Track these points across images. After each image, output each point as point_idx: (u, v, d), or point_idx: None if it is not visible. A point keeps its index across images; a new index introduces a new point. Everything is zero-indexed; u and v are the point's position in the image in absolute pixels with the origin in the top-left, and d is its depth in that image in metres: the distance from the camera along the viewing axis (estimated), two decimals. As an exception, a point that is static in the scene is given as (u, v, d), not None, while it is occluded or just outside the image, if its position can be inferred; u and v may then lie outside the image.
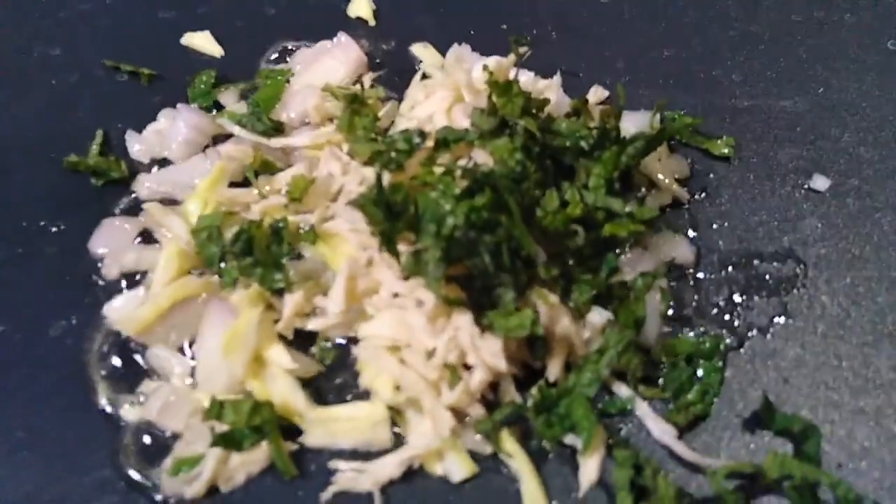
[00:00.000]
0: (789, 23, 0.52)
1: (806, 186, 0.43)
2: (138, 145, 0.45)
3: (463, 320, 0.34)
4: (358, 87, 0.46)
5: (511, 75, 0.40)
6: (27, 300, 0.39)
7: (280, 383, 0.35)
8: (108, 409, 0.36)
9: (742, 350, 0.37)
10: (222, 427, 0.33)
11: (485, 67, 0.42)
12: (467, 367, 0.34)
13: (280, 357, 0.35)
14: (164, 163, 0.45)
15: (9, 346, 0.37)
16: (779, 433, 0.34)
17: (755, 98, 0.47)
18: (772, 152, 0.44)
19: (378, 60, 0.50)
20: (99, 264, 0.41)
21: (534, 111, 0.42)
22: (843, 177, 0.43)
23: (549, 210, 0.36)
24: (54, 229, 0.42)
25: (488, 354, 0.33)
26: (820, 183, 0.43)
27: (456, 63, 0.47)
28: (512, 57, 0.42)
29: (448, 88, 0.44)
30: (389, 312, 0.36)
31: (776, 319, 0.38)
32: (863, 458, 0.33)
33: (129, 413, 0.35)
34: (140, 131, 0.46)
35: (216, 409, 0.33)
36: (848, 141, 0.45)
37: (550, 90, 0.45)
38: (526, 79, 0.46)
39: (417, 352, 0.35)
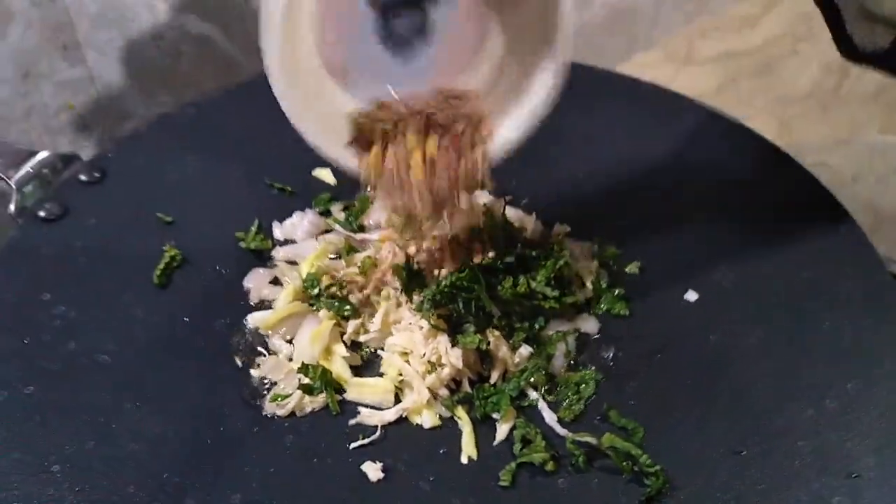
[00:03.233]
0: (701, 199, 0.77)
1: (682, 298, 0.67)
2: (279, 230, 0.72)
3: (443, 338, 0.59)
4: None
5: (499, 211, 0.67)
6: (205, 308, 0.66)
7: (337, 363, 0.59)
8: (242, 368, 0.61)
9: (612, 384, 0.60)
10: (304, 380, 0.59)
11: (484, 204, 0.69)
12: (440, 366, 0.59)
13: (340, 349, 0.60)
14: (292, 242, 0.72)
15: (189, 332, 0.63)
16: (620, 429, 0.57)
17: (663, 243, 0.72)
18: (662, 275, 0.69)
19: (431, 196, 0.79)
20: (247, 293, 0.67)
21: (513, 233, 0.69)
22: (705, 294, 0.67)
23: (506, 287, 0.62)
24: (224, 272, 0.69)
25: (454, 358, 0.58)
26: (690, 296, 0.66)
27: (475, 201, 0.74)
28: (502, 201, 0.69)
29: (466, 215, 0.71)
30: (405, 332, 0.61)
31: (642, 370, 0.61)
32: (676, 452, 0.54)
33: (254, 371, 0.62)
34: (281, 223, 0.74)
35: (304, 369, 0.59)
36: (717, 272, 0.69)
37: (528, 222, 0.72)
38: (514, 214, 0.73)
39: (416, 355, 0.60)
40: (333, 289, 0.64)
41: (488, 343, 0.59)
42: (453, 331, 0.59)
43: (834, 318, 0.62)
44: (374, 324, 0.61)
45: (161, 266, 0.68)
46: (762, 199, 0.74)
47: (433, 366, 0.58)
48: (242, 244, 0.71)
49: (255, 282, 0.68)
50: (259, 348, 0.63)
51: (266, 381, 0.60)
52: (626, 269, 0.68)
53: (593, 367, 0.60)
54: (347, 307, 0.63)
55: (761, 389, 0.58)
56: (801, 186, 0.75)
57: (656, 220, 0.74)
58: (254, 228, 0.72)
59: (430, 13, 0.54)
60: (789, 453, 0.54)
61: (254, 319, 0.64)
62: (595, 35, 1.52)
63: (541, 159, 0.81)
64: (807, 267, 0.67)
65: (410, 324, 0.61)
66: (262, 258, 0.70)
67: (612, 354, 0.62)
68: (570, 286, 0.66)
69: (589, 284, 0.66)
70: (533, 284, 0.62)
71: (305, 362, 0.59)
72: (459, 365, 0.57)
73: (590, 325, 0.63)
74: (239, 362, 0.61)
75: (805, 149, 1.43)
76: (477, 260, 0.60)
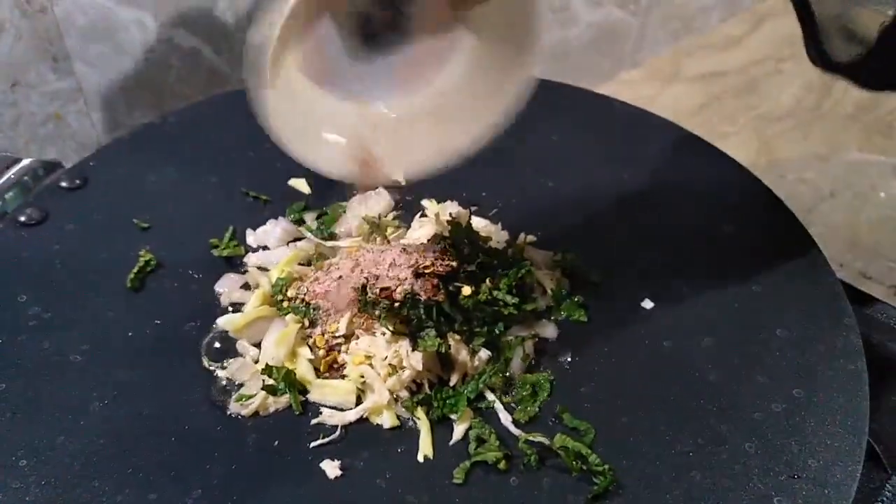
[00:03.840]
0: (661, 209, 0.79)
1: (639, 306, 0.69)
2: (252, 237, 0.74)
3: (404, 342, 0.61)
4: (384, 219, 0.76)
5: (465, 219, 0.70)
6: (177, 311, 0.68)
7: (302, 364, 0.61)
8: (209, 369, 0.64)
9: (569, 385, 0.62)
10: (268, 381, 0.61)
11: (450, 214, 0.71)
12: (402, 369, 0.61)
13: (305, 352, 0.62)
14: (265, 248, 0.74)
15: (162, 333, 0.65)
16: (572, 430, 0.58)
17: (624, 252, 0.74)
18: (621, 284, 0.70)
19: (401, 205, 0.81)
20: (218, 297, 0.69)
21: (478, 242, 0.71)
22: (660, 303, 0.69)
23: (465, 295, 0.64)
24: (196, 276, 0.71)
25: (414, 361, 0.60)
26: (645, 304, 0.68)
27: (443, 210, 0.76)
28: (466, 211, 0.72)
29: (433, 224, 0.74)
30: (367, 337, 0.63)
31: (597, 374, 0.63)
32: (625, 452, 0.56)
33: (221, 372, 0.64)
34: (255, 230, 0.76)
35: (268, 370, 0.61)
36: (674, 282, 0.71)
37: (493, 231, 0.74)
38: (481, 224, 0.75)
39: (378, 359, 0.62)
40: (301, 294, 0.66)
41: (448, 347, 0.60)
42: (415, 335, 0.61)
43: (784, 327, 0.65)
44: (339, 329, 0.63)
45: (135, 270, 0.70)
46: (724, 215, 0.77)
47: (394, 369, 0.60)
48: (216, 251, 0.73)
49: (227, 286, 0.69)
50: (227, 350, 0.64)
51: (232, 383, 0.62)
52: (587, 278, 0.70)
53: (549, 371, 0.62)
54: (314, 312, 0.64)
55: (711, 394, 0.60)
56: (764, 204, 0.77)
57: (620, 232, 0.76)
58: (228, 235, 0.74)
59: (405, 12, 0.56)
60: (735, 455, 0.55)
61: (223, 322, 0.66)
62: (581, 54, 1.55)
63: (512, 171, 0.83)
64: (762, 279, 0.69)
65: (374, 329, 0.62)
66: (235, 264, 0.72)
67: (568, 359, 0.63)
68: (531, 293, 0.68)
69: (550, 292, 0.68)
70: (495, 293, 0.64)
71: (270, 364, 0.61)
72: (419, 367, 0.59)
73: (548, 330, 0.65)
74: (207, 364, 0.63)
75: (785, 165, 1.46)
76: (440, 298, 0.61)
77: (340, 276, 0.66)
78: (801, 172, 1.43)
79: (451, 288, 0.63)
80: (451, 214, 0.69)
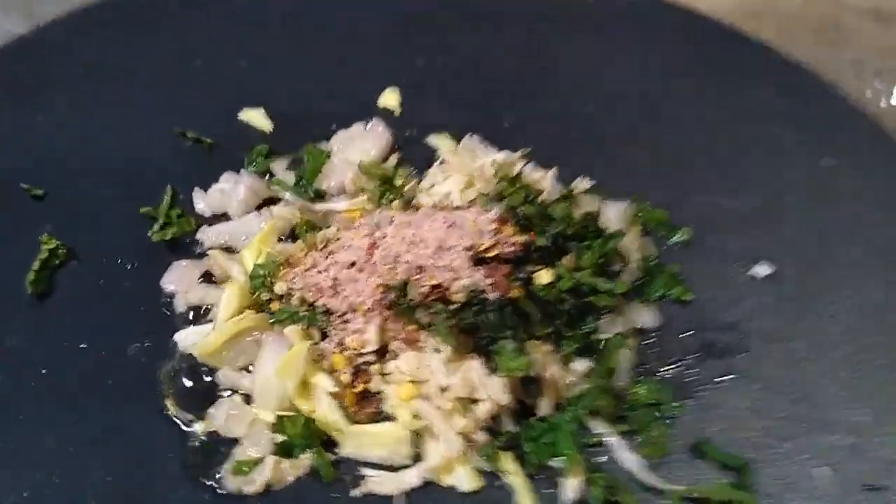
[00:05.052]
0: (743, 138, 0.62)
1: (749, 272, 0.52)
2: (203, 201, 0.52)
3: (474, 364, 0.42)
4: (389, 167, 0.55)
5: (515, 170, 0.50)
6: (108, 324, 0.46)
7: (324, 403, 0.42)
8: (176, 418, 0.43)
9: (694, 400, 0.46)
10: (279, 439, 0.41)
11: (493, 162, 0.52)
12: (473, 402, 0.42)
13: (324, 382, 0.43)
14: (224, 217, 0.52)
15: (92, 361, 0.44)
16: (722, 466, 0.43)
17: (713, 196, 0.57)
18: (722, 242, 0.53)
19: (402, 144, 0.58)
20: (170, 299, 0.47)
21: (532, 198, 0.52)
22: (781, 265, 0.52)
23: (543, 284, 0.45)
24: (129, 267, 0.49)
25: (494, 390, 0.42)
26: (761, 270, 0.52)
27: (467, 152, 0.56)
28: (517, 154, 0.52)
29: (463, 173, 0.53)
30: (411, 353, 0.44)
31: (720, 378, 0.47)
32: (786, 491, 0.42)
33: (199, 424, 0.42)
34: (205, 190, 0.52)
35: (281, 426, 0.41)
36: (787, 237, 0.55)
37: (545, 180, 0.55)
38: (526, 169, 0.55)
39: (434, 385, 0.43)
40: (297, 289, 0.46)
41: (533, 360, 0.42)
42: (485, 350, 0.42)
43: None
44: (368, 343, 0.43)
45: (36, 266, 0.47)
46: (821, 144, 0.59)
47: (464, 403, 0.41)
48: (154, 228, 0.50)
49: (180, 281, 0.48)
50: (199, 384, 0.43)
51: (217, 438, 0.41)
52: (673, 238, 0.53)
53: (659, 378, 0.45)
54: (322, 318, 0.44)
55: (880, 396, 0.45)
56: (864, 132, 0.61)
57: (695, 170, 0.58)
58: (167, 199, 0.52)
59: None
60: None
61: (185, 341, 0.44)
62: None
63: (540, 91, 0.63)
64: (883, 224, 0.54)
65: (419, 341, 0.43)
66: (184, 244, 0.51)
67: (680, 357, 0.47)
68: (609, 266, 0.50)
69: (636, 263, 0.50)
70: (578, 276, 0.46)
71: (277, 411, 0.41)
72: (504, 400, 0.41)
73: (646, 317, 0.48)
74: (172, 410, 0.42)
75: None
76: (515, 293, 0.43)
77: (354, 262, 0.45)
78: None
79: (521, 275, 0.44)
80: (494, 162, 0.49)
